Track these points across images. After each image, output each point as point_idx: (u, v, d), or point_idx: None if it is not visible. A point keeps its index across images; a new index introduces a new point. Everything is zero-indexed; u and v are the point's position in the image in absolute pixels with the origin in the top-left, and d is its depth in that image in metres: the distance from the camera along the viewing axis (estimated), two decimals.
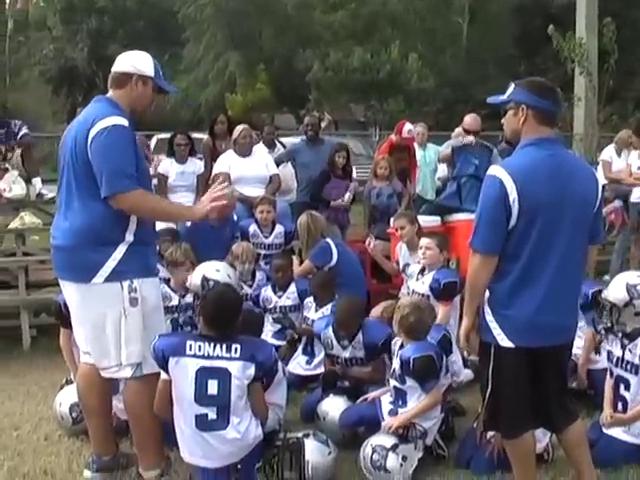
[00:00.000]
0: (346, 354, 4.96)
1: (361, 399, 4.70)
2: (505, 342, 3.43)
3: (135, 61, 3.96)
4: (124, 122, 3.75)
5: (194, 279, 5.45)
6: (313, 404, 4.90)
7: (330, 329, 5.01)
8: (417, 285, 5.61)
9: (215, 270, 5.46)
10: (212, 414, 3.70)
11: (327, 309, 5.43)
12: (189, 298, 5.53)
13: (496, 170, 3.41)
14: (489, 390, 3.52)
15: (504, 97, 3.56)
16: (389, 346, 4.65)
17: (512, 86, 3.54)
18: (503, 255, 3.40)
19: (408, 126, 8.50)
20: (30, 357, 6.75)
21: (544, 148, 3.44)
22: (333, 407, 4.74)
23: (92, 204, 3.72)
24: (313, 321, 5.47)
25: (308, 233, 6.35)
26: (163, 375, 3.79)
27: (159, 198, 3.82)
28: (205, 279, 5.38)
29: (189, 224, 6.44)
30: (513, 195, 3.31)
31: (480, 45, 33.62)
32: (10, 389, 5.87)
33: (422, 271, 5.68)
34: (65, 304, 4.19)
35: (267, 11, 34.93)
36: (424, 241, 5.66)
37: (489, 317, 3.48)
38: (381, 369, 4.90)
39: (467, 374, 5.43)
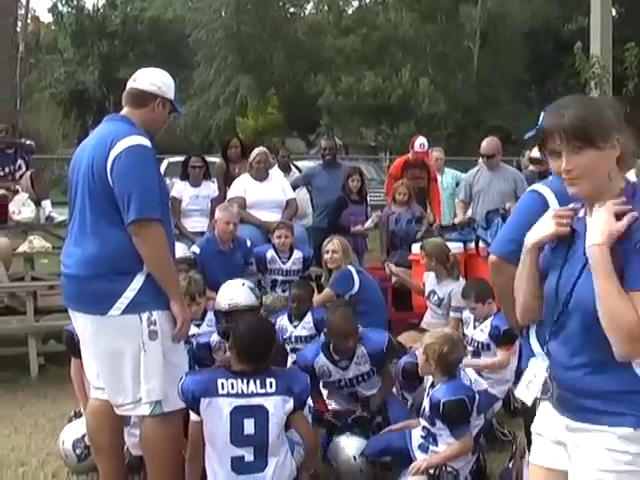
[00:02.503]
0: (349, 374, 4.67)
1: (387, 429, 4.43)
2: None
3: (160, 82, 3.74)
4: (147, 142, 3.53)
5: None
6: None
7: (321, 355, 4.67)
8: (476, 333, 5.34)
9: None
10: (249, 455, 3.48)
11: None
12: (204, 327, 5.28)
13: (538, 187, 3.16)
14: None
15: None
16: (393, 349, 4.38)
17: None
18: None
19: (420, 139, 8.31)
20: (38, 386, 6.47)
21: None
22: (343, 449, 4.39)
23: (109, 230, 3.49)
24: None
25: (345, 252, 6.08)
26: (193, 417, 3.57)
27: (169, 252, 3.61)
28: None
29: (198, 251, 6.26)
30: None
31: (491, 70, 33.73)
32: (16, 421, 5.61)
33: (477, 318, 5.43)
34: (76, 333, 3.95)
35: (278, 35, 35.19)
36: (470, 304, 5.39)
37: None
38: (392, 379, 4.71)
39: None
